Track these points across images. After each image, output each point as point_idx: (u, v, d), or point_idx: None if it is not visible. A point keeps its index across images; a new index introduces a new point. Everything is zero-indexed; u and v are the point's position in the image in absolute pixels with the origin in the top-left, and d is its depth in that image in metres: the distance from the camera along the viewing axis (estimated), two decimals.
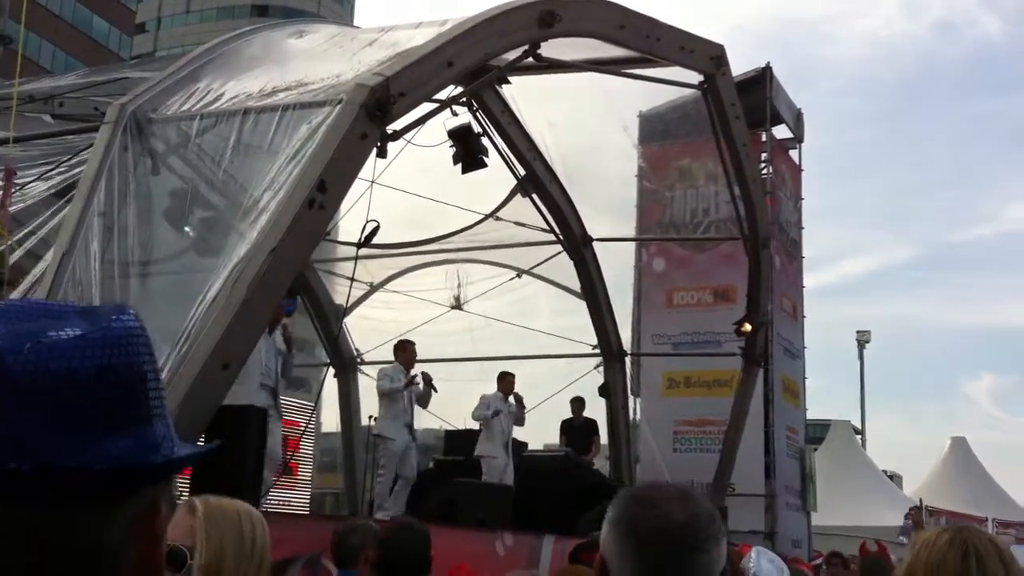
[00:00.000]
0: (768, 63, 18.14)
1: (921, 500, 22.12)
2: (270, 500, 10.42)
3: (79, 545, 0.98)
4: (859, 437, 31.94)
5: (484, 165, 10.95)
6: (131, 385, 1.02)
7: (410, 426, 11.27)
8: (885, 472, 30.16)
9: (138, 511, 1.03)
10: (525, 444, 13.72)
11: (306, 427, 12.58)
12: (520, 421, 12.80)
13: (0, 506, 0.94)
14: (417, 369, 11.57)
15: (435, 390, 11.71)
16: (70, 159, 8.39)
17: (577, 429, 14.24)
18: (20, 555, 0.95)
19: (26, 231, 8.74)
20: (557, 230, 14.43)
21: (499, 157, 12.88)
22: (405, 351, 11.42)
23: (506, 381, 12.67)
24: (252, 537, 2.17)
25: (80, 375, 0.97)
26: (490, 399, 12.39)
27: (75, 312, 1.03)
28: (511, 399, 12.60)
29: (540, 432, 15.83)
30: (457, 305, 15.38)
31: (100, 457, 0.98)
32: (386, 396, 11.05)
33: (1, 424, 0.93)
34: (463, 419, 14.02)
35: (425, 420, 14.13)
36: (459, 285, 15.43)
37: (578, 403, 14.39)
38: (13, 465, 0.92)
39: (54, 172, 8.53)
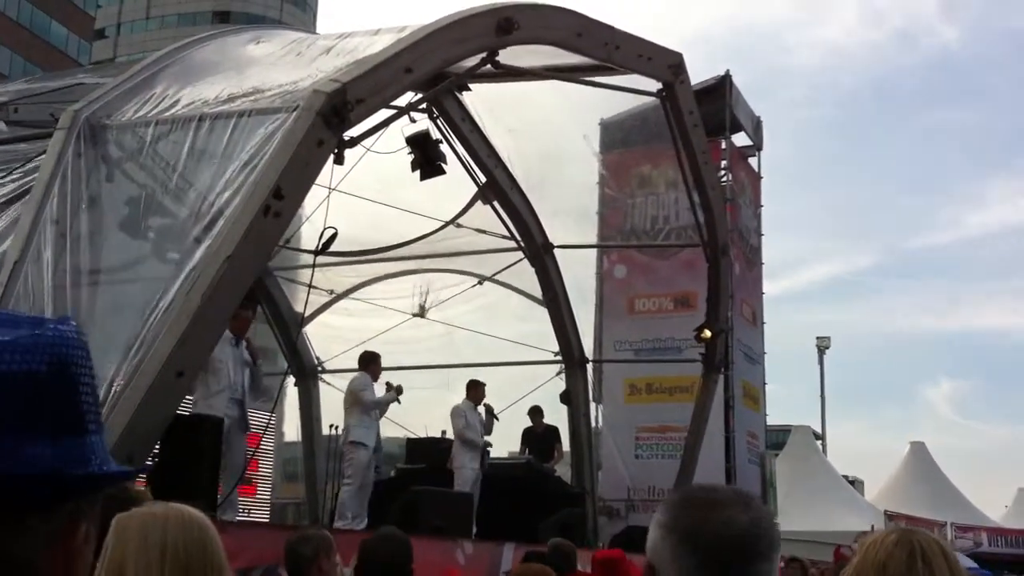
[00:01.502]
0: (727, 71, 18.32)
1: (872, 526, 22.33)
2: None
3: None
4: (819, 442, 32.19)
5: (442, 172, 10.94)
6: (60, 394, 0.99)
7: (377, 435, 11.27)
8: (846, 477, 30.41)
9: (56, 526, 1.00)
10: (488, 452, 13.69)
11: (265, 432, 12.46)
12: (488, 430, 12.73)
13: None
14: (383, 379, 11.53)
15: (399, 402, 11.63)
16: (23, 165, 8.26)
17: (538, 437, 14.23)
18: None
19: None
20: (518, 237, 14.44)
21: (459, 164, 12.87)
22: (375, 364, 11.33)
23: (476, 390, 12.54)
24: (162, 543, 2.02)
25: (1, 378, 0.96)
26: (464, 409, 12.29)
27: (12, 320, 1.01)
28: (480, 408, 12.56)
29: (503, 440, 15.81)
30: (421, 313, 15.34)
31: (16, 463, 0.96)
32: (362, 404, 10.96)
33: None
34: (424, 428, 13.99)
35: (388, 428, 14.08)
36: (424, 293, 15.39)
37: (536, 412, 14.38)
38: None
39: (7, 179, 8.40)
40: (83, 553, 1.03)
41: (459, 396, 12.65)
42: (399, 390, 11.33)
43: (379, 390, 11.29)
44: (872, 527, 19.00)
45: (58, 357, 0.99)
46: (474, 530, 11.09)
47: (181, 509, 2.11)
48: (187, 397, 8.13)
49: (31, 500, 0.97)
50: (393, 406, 11.71)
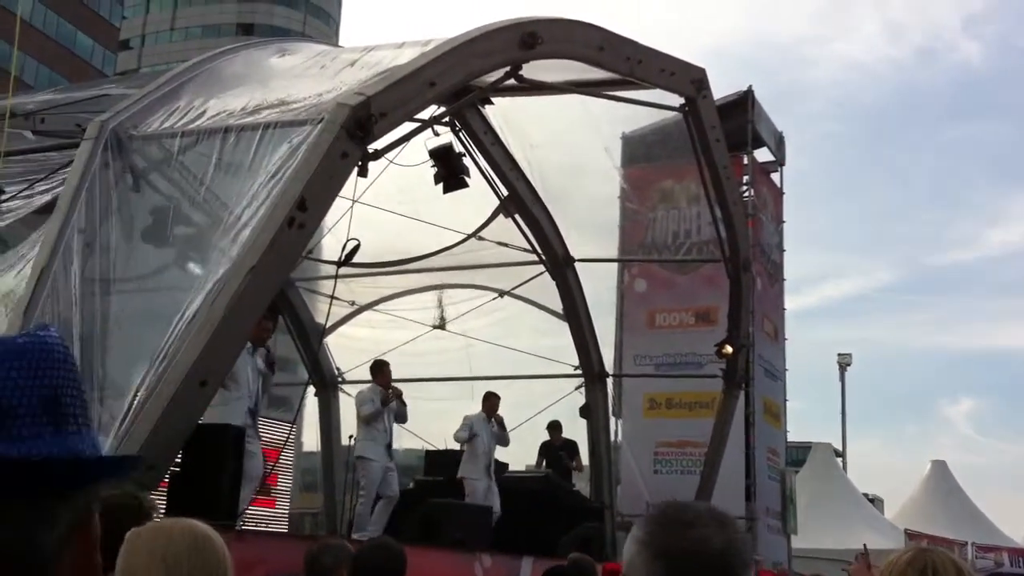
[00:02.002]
0: (750, 86, 18.30)
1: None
2: (248, 519, 10.35)
3: (7, 544, 0.97)
4: (840, 460, 31.99)
5: (465, 185, 10.97)
6: (44, 394, 1.02)
7: (389, 446, 11.22)
8: (866, 495, 30.21)
9: (77, 515, 1.02)
10: (506, 465, 13.69)
11: (285, 445, 12.51)
12: (503, 442, 12.74)
13: None
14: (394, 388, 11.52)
15: (404, 404, 11.57)
16: (50, 175, 8.35)
17: (556, 451, 14.23)
18: None
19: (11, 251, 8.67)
20: (539, 250, 14.45)
21: (481, 177, 12.91)
22: (382, 373, 11.37)
23: (490, 402, 12.59)
24: (165, 555, 2.09)
25: None
26: (472, 420, 12.33)
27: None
28: (494, 420, 12.56)
29: (521, 453, 15.80)
30: (441, 325, 15.36)
31: (36, 447, 0.98)
32: (361, 418, 11.03)
33: None
34: (444, 440, 13.98)
35: (406, 440, 14.10)
36: (442, 306, 15.42)
37: (555, 427, 14.40)
38: None
39: (35, 188, 8.49)
40: (98, 544, 1.05)
41: (478, 408, 12.67)
42: (395, 393, 11.28)
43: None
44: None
45: (34, 362, 1.02)
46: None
47: (190, 524, 2.19)
48: None
49: (54, 484, 0.99)
50: (412, 419, 11.72)
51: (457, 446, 12.64)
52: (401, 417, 11.55)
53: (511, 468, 13.95)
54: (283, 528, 15.00)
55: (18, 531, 0.97)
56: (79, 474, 1.04)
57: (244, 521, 10.06)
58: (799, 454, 28.12)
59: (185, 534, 2.14)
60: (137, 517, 2.72)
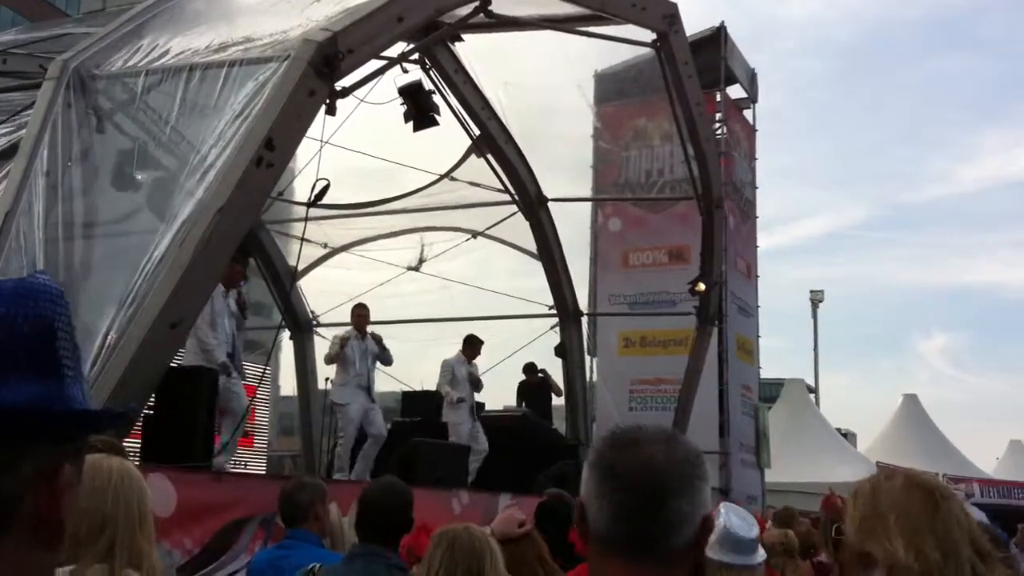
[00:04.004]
0: (722, 22, 18.13)
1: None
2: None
3: None
4: (813, 395, 32.35)
5: (436, 123, 10.87)
6: (37, 336, 1.00)
7: (367, 388, 11.16)
8: (839, 430, 30.59)
9: (39, 465, 1.01)
10: (482, 405, 13.74)
11: (260, 383, 12.50)
12: (477, 386, 12.67)
13: None
14: (370, 331, 11.46)
15: (385, 348, 11.49)
16: (12, 117, 8.20)
17: (534, 388, 14.31)
18: None
19: None
20: (513, 191, 14.39)
21: (453, 116, 12.79)
22: (354, 315, 11.30)
23: (473, 348, 12.49)
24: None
25: None
26: (451, 364, 12.27)
27: None
28: (476, 363, 12.55)
29: (498, 393, 15.91)
30: (416, 267, 15.32)
31: (4, 394, 0.96)
32: (335, 362, 10.98)
33: None
34: (420, 381, 14.03)
35: (382, 382, 14.12)
36: (421, 246, 15.35)
37: (530, 369, 14.47)
38: None
39: None
40: (67, 494, 1.03)
41: (454, 349, 12.64)
42: (376, 339, 11.24)
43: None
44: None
45: (32, 302, 1.00)
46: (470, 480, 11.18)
47: (119, 462, 2.38)
48: (181, 350, 8.12)
49: (19, 433, 0.98)
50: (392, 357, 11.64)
51: (432, 387, 12.64)
52: (385, 360, 11.50)
53: (488, 408, 14.01)
54: (261, 469, 15.07)
55: None
56: (70, 425, 1.03)
57: (233, 460, 10.11)
58: (772, 390, 28.39)
59: (110, 469, 2.30)
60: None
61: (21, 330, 0.98)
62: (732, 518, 3.81)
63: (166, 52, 7.69)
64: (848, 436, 35.90)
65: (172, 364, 7.32)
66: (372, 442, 10.93)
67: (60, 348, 1.01)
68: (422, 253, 15.29)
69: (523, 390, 14.49)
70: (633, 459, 1.55)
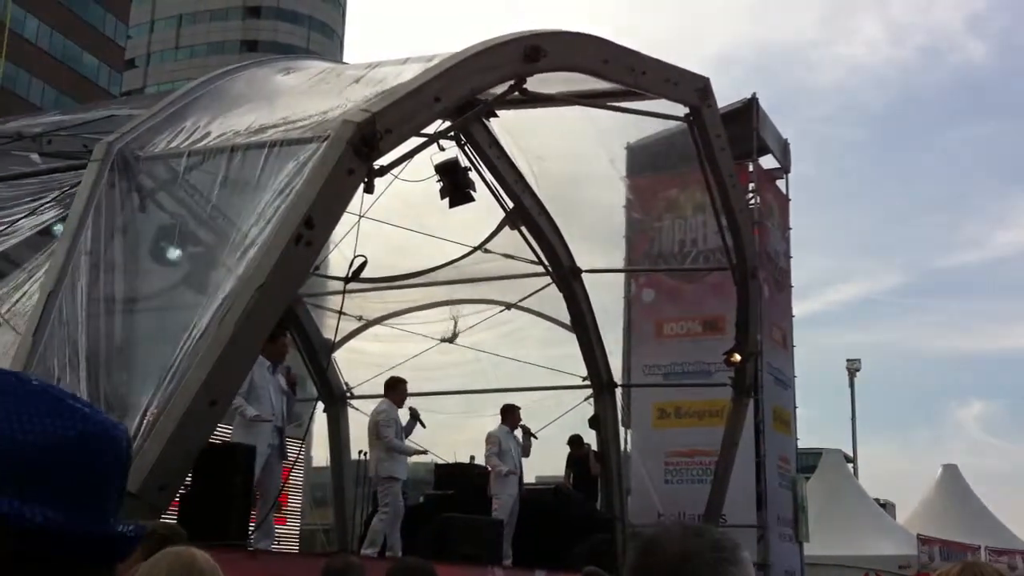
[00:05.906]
0: (754, 94, 18.27)
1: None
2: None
3: None
4: (851, 465, 31.86)
5: (471, 199, 10.98)
6: (108, 479, 1.06)
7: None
8: (877, 500, 30.06)
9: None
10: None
11: (295, 464, 12.50)
12: (526, 452, 12.76)
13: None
14: (407, 404, 11.49)
15: (423, 425, 11.59)
16: (57, 196, 8.36)
17: (581, 460, 14.48)
18: None
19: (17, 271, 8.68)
20: (546, 262, 14.45)
21: (487, 190, 12.92)
22: (395, 390, 11.23)
23: (513, 415, 12.58)
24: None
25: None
26: (497, 436, 12.24)
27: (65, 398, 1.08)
28: (518, 432, 12.57)
29: (530, 464, 15.81)
30: (451, 339, 15.36)
31: (95, 523, 1.02)
32: (387, 444, 10.81)
33: None
34: (453, 453, 13.99)
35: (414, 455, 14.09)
36: (454, 320, 15.43)
37: (576, 442, 14.75)
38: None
39: (43, 211, 8.50)
40: None
41: (487, 420, 12.64)
42: (414, 415, 11.31)
43: (404, 416, 11.26)
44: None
45: (115, 446, 1.06)
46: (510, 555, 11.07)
47: (189, 552, 2.42)
48: (221, 426, 8.16)
49: (104, 559, 1.03)
50: (419, 431, 11.69)
51: (465, 458, 12.62)
52: (406, 433, 11.45)
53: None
54: (294, 546, 14.99)
55: None
56: (120, 550, 1.09)
57: (276, 540, 10.07)
58: (810, 460, 28.00)
59: (180, 561, 2.39)
60: (163, 545, 2.93)
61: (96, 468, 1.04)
62: None
63: (208, 133, 7.87)
64: (887, 507, 35.26)
65: (212, 440, 7.35)
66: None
67: (120, 490, 1.07)
68: (455, 326, 15.34)
69: (571, 462, 14.68)
70: (647, 554, 1.57)
